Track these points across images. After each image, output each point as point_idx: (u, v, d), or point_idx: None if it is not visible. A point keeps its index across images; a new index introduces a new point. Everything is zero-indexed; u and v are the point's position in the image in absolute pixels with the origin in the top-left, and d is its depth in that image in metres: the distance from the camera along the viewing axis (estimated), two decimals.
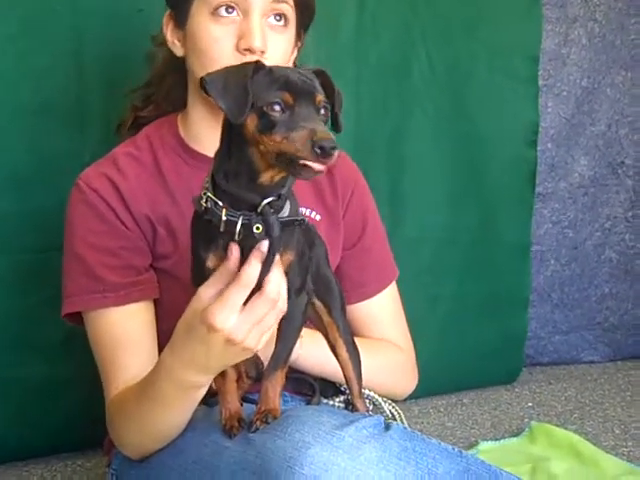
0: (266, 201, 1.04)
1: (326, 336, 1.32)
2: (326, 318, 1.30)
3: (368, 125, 2.14)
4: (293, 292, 1.12)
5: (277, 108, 1.00)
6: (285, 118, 0.99)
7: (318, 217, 1.51)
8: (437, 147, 2.24)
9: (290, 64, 1.47)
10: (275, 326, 1.12)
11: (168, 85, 1.54)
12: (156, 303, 1.42)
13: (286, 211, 1.08)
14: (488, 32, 2.29)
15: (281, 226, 1.05)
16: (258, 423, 1.13)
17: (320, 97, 1.02)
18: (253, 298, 1.06)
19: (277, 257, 1.06)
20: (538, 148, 2.39)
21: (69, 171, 1.53)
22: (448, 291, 2.31)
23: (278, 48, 1.37)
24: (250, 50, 1.32)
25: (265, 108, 1.00)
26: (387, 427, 1.11)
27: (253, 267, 1.05)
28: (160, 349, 1.37)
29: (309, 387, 1.46)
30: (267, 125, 1.00)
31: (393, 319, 1.62)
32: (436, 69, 2.22)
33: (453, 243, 2.29)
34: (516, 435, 2.05)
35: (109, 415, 1.36)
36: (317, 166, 0.96)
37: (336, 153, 0.96)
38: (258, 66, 1.04)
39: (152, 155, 1.44)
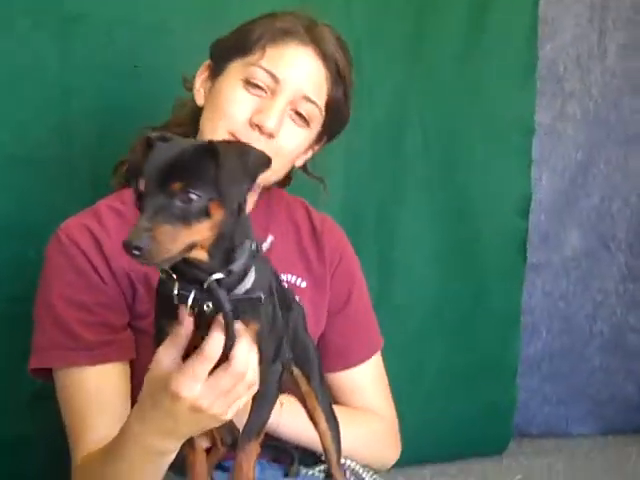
0: (213, 278, 1.00)
1: (304, 405, 1.32)
2: (305, 387, 1.30)
3: (358, 193, 2.16)
4: (265, 362, 1.10)
5: (137, 201, 0.97)
6: (140, 208, 0.96)
7: (304, 284, 1.51)
8: (428, 216, 2.26)
9: (300, 163, 1.50)
10: (248, 396, 1.09)
11: (181, 133, 1.52)
12: (132, 363, 1.38)
13: (248, 284, 1.04)
14: (483, 104, 2.32)
15: (234, 303, 1.02)
16: None
17: (177, 185, 0.94)
18: (218, 370, 1.04)
19: (241, 327, 1.03)
20: (531, 219, 2.40)
21: (51, 223, 1.52)
22: (435, 360, 2.30)
23: (291, 139, 1.39)
24: (260, 127, 1.34)
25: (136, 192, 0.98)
26: None
27: (215, 340, 1.02)
28: None
29: (288, 455, 1.44)
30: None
31: (376, 388, 1.60)
32: (429, 138, 2.24)
33: (442, 312, 2.29)
34: None
35: (75, 477, 1.33)
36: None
37: (141, 253, 0.91)
38: (149, 143, 1.00)
39: (137, 212, 1.43)
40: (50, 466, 1.82)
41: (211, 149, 0.97)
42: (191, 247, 0.96)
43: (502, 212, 2.36)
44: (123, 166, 1.52)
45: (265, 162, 1.02)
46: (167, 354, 1.06)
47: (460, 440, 2.35)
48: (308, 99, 1.38)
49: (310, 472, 1.44)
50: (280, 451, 1.44)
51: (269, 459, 1.43)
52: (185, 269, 1.01)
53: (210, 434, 1.22)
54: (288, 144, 1.39)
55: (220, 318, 1.02)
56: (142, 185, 0.95)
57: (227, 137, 1.35)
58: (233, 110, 1.36)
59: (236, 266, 1.02)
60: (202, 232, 0.96)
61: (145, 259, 0.92)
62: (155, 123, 1.54)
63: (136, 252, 0.91)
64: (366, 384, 1.59)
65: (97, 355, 1.33)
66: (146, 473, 1.20)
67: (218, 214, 0.97)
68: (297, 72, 1.37)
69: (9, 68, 1.79)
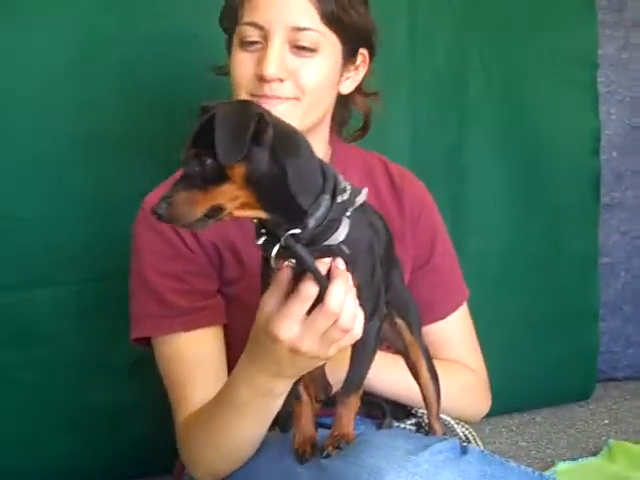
0: (287, 233, 1.01)
1: (406, 356, 1.30)
2: (408, 337, 1.28)
3: (426, 141, 2.11)
4: (366, 317, 1.08)
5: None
6: None
7: None
8: (497, 159, 2.20)
9: (347, 89, 1.45)
10: (347, 341, 1.08)
11: None
12: (224, 329, 1.40)
13: (340, 236, 1.03)
14: (543, 40, 2.25)
15: (318, 255, 1.02)
16: (330, 449, 1.11)
17: (191, 152, 0.98)
18: (315, 310, 1.04)
19: (342, 267, 1.03)
20: (603, 157, 2.33)
21: (130, 198, 1.54)
22: (514, 306, 2.25)
23: (308, 73, 1.34)
24: (262, 79, 1.31)
25: None
26: (464, 451, 1.08)
27: (310, 280, 1.03)
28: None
29: (380, 410, 1.43)
30: None
31: (465, 340, 1.58)
32: (492, 81, 2.18)
33: (518, 257, 2.24)
34: (594, 454, 1.99)
35: (181, 436, 1.35)
36: None
37: (166, 217, 0.96)
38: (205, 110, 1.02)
39: None
40: (151, 431, 1.88)
41: (210, 113, 0.98)
42: (219, 209, 0.98)
43: (572, 151, 2.28)
44: None
45: (252, 116, 0.97)
46: (269, 299, 1.07)
47: (544, 388, 2.32)
48: (299, 29, 1.31)
49: (402, 426, 1.42)
50: (372, 405, 1.43)
51: (362, 414, 1.40)
52: (266, 227, 1.03)
53: (305, 390, 1.21)
54: (308, 79, 1.34)
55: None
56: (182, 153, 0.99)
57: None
58: (239, 74, 1.35)
59: (312, 221, 1.01)
60: (226, 194, 0.97)
61: (168, 223, 0.97)
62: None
63: (157, 218, 0.96)
64: (454, 336, 1.57)
65: (191, 321, 1.35)
66: (254, 416, 1.20)
67: (238, 174, 0.96)
68: (275, 10, 1.31)
69: (79, 47, 1.81)
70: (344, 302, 1.03)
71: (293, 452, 1.17)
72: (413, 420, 1.44)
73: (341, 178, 1.06)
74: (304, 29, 1.32)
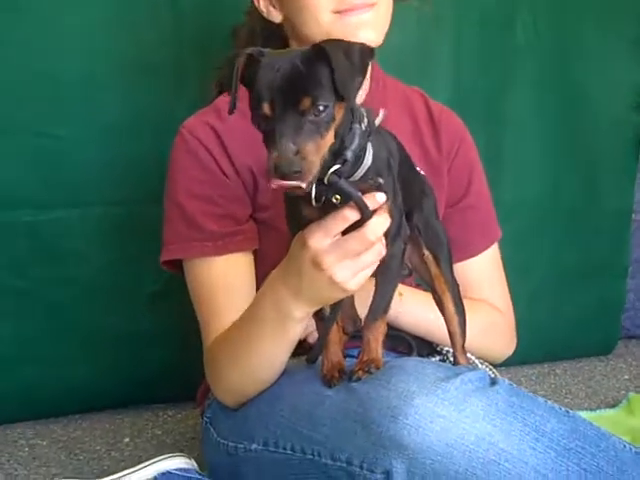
0: (330, 171, 1.00)
1: (433, 288, 1.30)
2: (434, 270, 1.27)
3: (468, 82, 2.09)
4: (389, 239, 1.10)
5: (261, 123, 0.97)
6: (269, 131, 0.96)
7: (421, 172, 1.48)
8: (538, 109, 2.17)
9: None
10: (370, 270, 1.09)
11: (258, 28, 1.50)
12: (255, 253, 1.41)
13: (367, 162, 1.04)
14: None
15: (359, 185, 1.03)
16: (360, 373, 1.12)
17: (306, 101, 0.94)
18: (351, 232, 1.05)
19: (381, 200, 1.04)
20: None
21: (164, 125, 1.55)
22: (543, 257, 2.25)
23: None
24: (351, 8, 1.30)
25: (257, 119, 0.98)
26: (492, 382, 1.08)
27: (353, 207, 1.03)
28: None
29: (406, 345, 1.45)
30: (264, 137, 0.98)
31: (494, 281, 1.59)
32: (540, 27, 2.15)
33: (551, 208, 2.23)
34: (612, 407, 1.99)
35: (208, 357, 1.37)
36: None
37: (298, 175, 0.92)
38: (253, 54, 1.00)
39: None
40: (176, 357, 1.91)
41: (320, 53, 0.96)
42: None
43: (615, 105, 2.26)
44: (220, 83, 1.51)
45: (369, 53, 1.01)
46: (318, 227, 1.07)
47: (567, 340, 2.32)
48: None
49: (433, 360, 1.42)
50: (398, 340, 1.45)
51: (388, 348, 1.41)
52: None
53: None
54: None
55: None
56: (267, 108, 0.95)
57: (335, 20, 1.32)
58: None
59: (349, 153, 1.02)
60: (331, 136, 0.97)
61: (302, 181, 0.93)
62: None
63: (295, 175, 0.92)
64: (484, 275, 1.57)
65: (223, 245, 1.36)
66: (275, 336, 1.22)
67: (339, 115, 0.98)
68: None
69: None
70: (381, 235, 1.05)
71: (321, 377, 1.19)
72: (438, 357, 1.46)
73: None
74: None
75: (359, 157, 1.04)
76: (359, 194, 1.02)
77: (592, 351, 2.39)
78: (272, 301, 1.18)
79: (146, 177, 1.82)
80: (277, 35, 1.45)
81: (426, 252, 1.26)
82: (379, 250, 1.07)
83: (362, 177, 1.05)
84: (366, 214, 1.03)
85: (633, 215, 2.34)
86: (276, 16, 1.42)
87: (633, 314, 2.50)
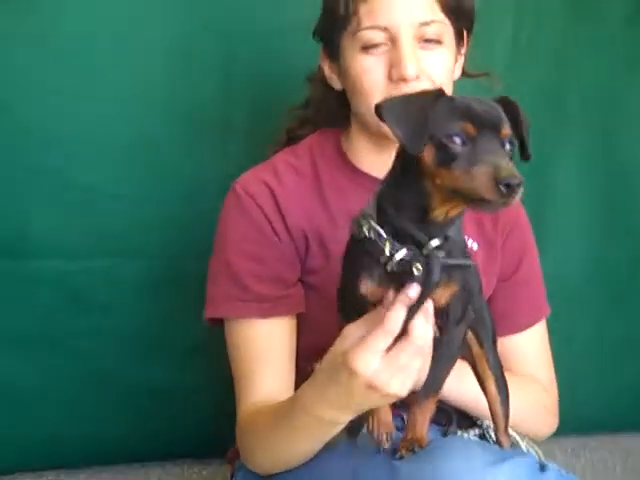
0: (435, 243, 0.99)
1: (474, 368, 1.27)
2: (476, 349, 1.25)
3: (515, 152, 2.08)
4: (452, 322, 1.08)
5: (457, 140, 0.94)
6: (466, 151, 0.93)
7: (475, 246, 1.48)
8: (584, 179, 2.18)
9: (457, 74, 1.44)
10: (421, 369, 1.06)
11: (328, 106, 1.51)
12: (299, 317, 1.39)
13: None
14: None
15: (445, 270, 1.00)
16: (404, 451, 1.10)
17: (506, 129, 0.96)
18: (398, 344, 1.01)
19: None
20: None
21: (210, 183, 1.54)
22: (586, 332, 2.23)
23: (437, 68, 1.34)
24: (403, 79, 1.30)
25: (444, 140, 0.94)
26: (542, 468, 1.06)
27: (398, 312, 1.00)
28: (298, 364, 1.36)
29: (446, 416, 1.42)
30: (446, 158, 0.93)
31: (540, 356, 1.57)
32: (588, 105, 2.16)
33: (594, 280, 2.21)
34: None
35: (240, 432, 1.35)
36: (500, 201, 0.90)
37: (521, 190, 0.90)
38: (439, 94, 0.99)
39: (313, 166, 1.42)
40: (208, 414, 1.90)
41: (510, 104, 1.01)
42: None
43: None
44: (279, 142, 1.55)
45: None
46: (355, 330, 1.04)
47: (607, 414, 2.28)
48: (426, 23, 1.32)
49: (466, 435, 1.41)
50: (439, 411, 1.40)
51: None
52: (410, 228, 1.00)
53: None
54: (438, 72, 1.34)
55: (408, 290, 1.00)
56: (470, 127, 0.94)
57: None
58: (368, 79, 1.33)
59: (453, 232, 1.01)
60: None
61: (518, 196, 0.91)
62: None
63: (518, 189, 0.90)
64: (530, 351, 1.55)
65: (268, 308, 1.34)
66: (310, 440, 1.20)
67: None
68: (399, 9, 1.31)
69: (180, 26, 1.82)
70: (427, 335, 1.02)
71: (368, 435, 1.17)
72: (477, 431, 1.43)
73: None
74: (430, 22, 1.32)
75: (457, 245, 1.03)
76: (437, 281, 1.00)
77: (633, 425, 2.33)
78: (310, 414, 1.13)
79: (190, 233, 1.82)
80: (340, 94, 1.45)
81: (468, 332, 1.23)
82: (427, 353, 1.04)
83: (449, 267, 1.02)
84: (422, 305, 1.00)
85: None
86: (336, 84, 1.43)
87: None
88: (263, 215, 1.36)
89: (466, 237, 1.44)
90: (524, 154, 1.02)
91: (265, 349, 1.34)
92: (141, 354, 1.91)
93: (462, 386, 1.36)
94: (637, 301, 2.25)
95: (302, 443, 1.20)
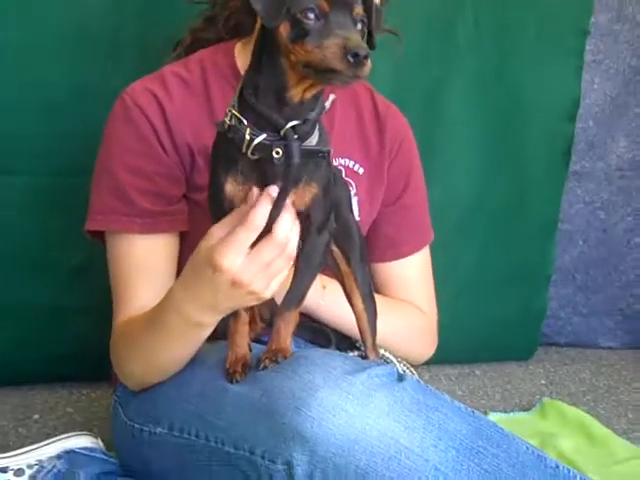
0: (290, 124, 1.00)
1: (343, 285, 1.29)
2: (344, 267, 1.27)
3: (406, 80, 2.09)
4: (315, 229, 1.08)
5: (311, 15, 0.96)
6: (319, 26, 0.96)
7: (362, 170, 1.48)
8: (474, 110, 2.18)
9: None
10: (286, 272, 1.08)
11: (233, 7, 1.47)
12: (184, 235, 1.37)
13: (313, 141, 1.03)
14: (538, 1, 2.22)
15: (303, 155, 1.01)
16: (267, 362, 1.11)
17: (358, 9, 0.98)
18: (261, 241, 1.02)
19: (289, 201, 1.02)
20: (579, 125, 2.32)
21: (100, 97, 1.50)
22: (469, 259, 2.26)
23: None
24: None
25: (299, 15, 0.96)
26: (400, 378, 1.09)
27: (261, 209, 1.01)
28: None
29: (325, 338, 1.44)
30: (299, 33, 0.96)
31: (422, 282, 1.59)
32: (482, 32, 2.15)
33: (480, 211, 2.24)
34: (526, 410, 2.02)
35: (113, 340, 1.34)
36: (349, 72, 0.93)
37: (369, 62, 0.92)
38: None
39: (202, 81, 1.39)
40: (93, 335, 1.84)
41: None
42: None
43: (549, 114, 2.26)
44: (182, 44, 1.52)
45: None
46: (221, 229, 1.05)
47: (488, 343, 2.34)
48: None
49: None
50: (318, 333, 1.45)
51: (307, 339, 1.43)
52: (268, 112, 1.00)
53: (250, 309, 1.21)
54: None
55: (269, 190, 1.01)
56: (325, 5, 0.96)
57: None
58: None
59: (311, 116, 1.01)
60: None
61: (366, 67, 0.93)
62: None
63: (365, 59, 0.92)
64: (412, 277, 1.57)
65: (150, 224, 1.32)
66: (182, 343, 1.20)
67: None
68: None
69: None
70: (291, 232, 1.03)
71: (224, 371, 1.16)
72: (356, 353, 1.45)
73: None
74: None
75: (312, 129, 1.03)
76: (297, 162, 1.00)
77: (512, 355, 2.41)
78: (178, 313, 1.14)
79: (79, 149, 1.76)
80: None
81: (335, 249, 1.25)
82: (290, 255, 1.05)
83: (309, 152, 1.02)
84: (282, 196, 1.01)
85: (559, 224, 2.37)
86: None
87: (554, 322, 2.54)
88: (150, 127, 1.32)
89: (351, 161, 1.46)
90: (370, 43, 1.02)
91: (144, 264, 1.33)
92: (25, 273, 1.88)
93: (334, 304, 1.38)
94: (519, 232, 2.29)
95: (171, 346, 1.20)
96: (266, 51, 1.01)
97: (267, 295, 1.07)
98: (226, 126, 1.04)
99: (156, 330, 1.20)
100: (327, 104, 1.07)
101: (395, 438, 1.01)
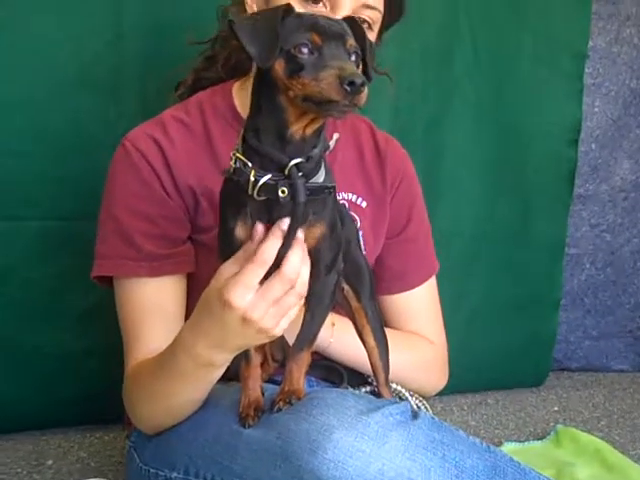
0: (293, 162, 1.00)
1: (354, 322, 1.28)
2: (354, 304, 1.26)
3: (406, 111, 2.10)
4: (323, 268, 1.08)
5: (305, 50, 0.96)
6: (313, 60, 0.96)
7: (364, 204, 1.48)
8: (476, 138, 2.20)
9: None
10: (296, 309, 1.07)
11: (233, 46, 1.48)
12: (192, 276, 1.37)
13: (320, 179, 1.03)
14: (536, 25, 2.25)
15: (309, 192, 1.00)
16: (281, 404, 1.10)
17: (351, 41, 0.99)
18: (271, 277, 1.02)
19: (299, 235, 1.02)
20: (582, 148, 2.34)
21: (103, 140, 1.52)
22: (477, 287, 2.27)
23: None
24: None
25: (293, 50, 0.96)
26: (414, 416, 1.07)
27: (270, 245, 1.01)
28: None
29: (337, 375, 1.43)
30: (295, 68, 0.96)
31: (429, 313, 1.58)
32: (480, 58, 2.18)
33: (486, 239, 2.25)
34: (541, 438, 2.01)
35: (125, 385, 1.34)
36: (346, 102, 0.93)
37: (366, 90, 0.92)
38: (287, 10, 1.00)
39: (202, 123, 1.39)
40: (106, 377, 1.84)
41: (356, 23, 1.04)
42: None
43: (551, 138, 2.29)
44: (184, 84, 1.53)
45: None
46: (230, 267, 1.04)
47: (499, 370, 2.34)
48: (369, 6, 1.32)
49: (357, 392, 1.41)
50: (330, 370, 1.44)
51: (319, 377, 1.42)
52: (270, 152, 1.01)
53: (262, 350, 1.20)
54: None
55: (280, 223, 1.01)
56: (316, 37, 0.97)
57: None
58: None
59: (314, 153, 1.01)
60: None
61: (363, 95, 0.93)
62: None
63: (362, 86, 0.92)
64: (420, 308, 1.56)
65: (157, 267, 1.32)
66: (193, 385, 1.19)
67: None
68: None
69: None
70: (300, 269, 1.02)
71: (237, 415, 1.15)
72: (368, 388, 1.44)
73: None
74: (372, 7, 1.33)
75: (317, 167, 1.03)
76: (303, 200, 1.00)
77: (524, 382, 2.41)
78: (189, 354, 1.13)
79: (84, 193, 1.78)
80: None
81: (345, 286, 1.24)
82: (300, 291, 1.04)
83: (314, 190, 1.02)
84: (292, 232, 1.01)
85: (566, 248, 2.37)
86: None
87: (565, 346, 2.54)
88: (152, 171, 1.33)
89: (354, 196, 1.47)
90: (367, 75, 1.02)
91: (153, 307, 1.32)
92: (35, 317, 1.87)
93: (344, 341, 1.37)
94: (527, 258, 2.29)
95: (183, 388, 1.19)
96: (264, 91, 1.01)
97: (277, 333, 1.06)
98: (232, 170, 1.04)
99: (167, 373, 1.20)
100: (331, 143, 1.07)
101: (412, 478, 1.00)
